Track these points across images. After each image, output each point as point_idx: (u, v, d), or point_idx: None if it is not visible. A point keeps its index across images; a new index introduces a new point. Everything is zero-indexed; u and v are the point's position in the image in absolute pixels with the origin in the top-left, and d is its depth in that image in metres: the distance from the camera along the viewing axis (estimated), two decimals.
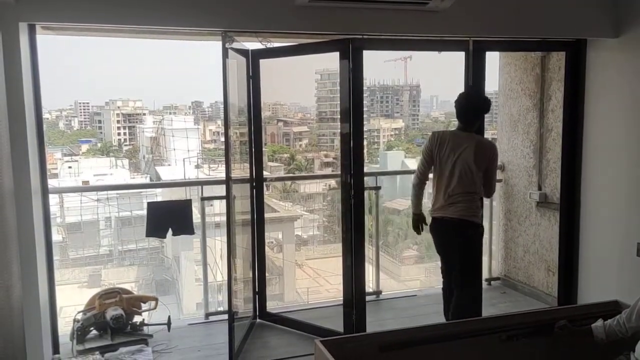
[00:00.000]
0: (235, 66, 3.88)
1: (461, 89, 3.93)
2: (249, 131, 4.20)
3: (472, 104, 3.66)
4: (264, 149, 4.38)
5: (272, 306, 4.46)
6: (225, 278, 3.82)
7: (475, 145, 3.57)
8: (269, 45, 3.92)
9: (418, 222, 3.76)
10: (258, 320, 4.37)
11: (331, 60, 3.92)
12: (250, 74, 4.11)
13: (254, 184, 4.25)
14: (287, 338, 4.07)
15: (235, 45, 3.70)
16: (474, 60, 3.96)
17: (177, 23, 3.40)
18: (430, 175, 3.71)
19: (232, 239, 3.74)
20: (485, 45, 4.02)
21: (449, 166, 3.55)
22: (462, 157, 3.53)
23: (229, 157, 3.66)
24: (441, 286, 3.87)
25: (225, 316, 4.42)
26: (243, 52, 4.00)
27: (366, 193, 6.03)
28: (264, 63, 4.09)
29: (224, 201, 4.57)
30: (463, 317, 3.38)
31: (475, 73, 3.96)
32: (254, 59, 4.09)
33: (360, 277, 3.90)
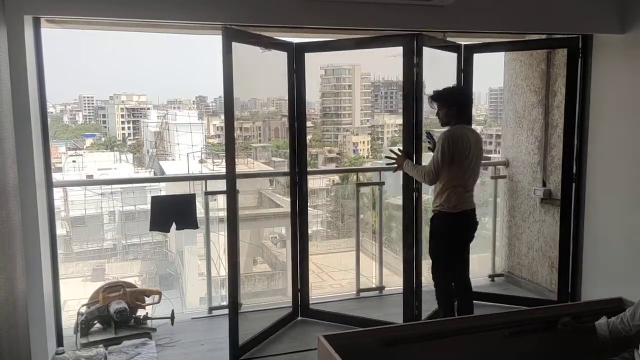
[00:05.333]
0: (274, 60, 3.89)
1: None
2: (290, 125, 4.17)
3: (470, 98, 3.84)
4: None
5: (276, 300, 4.45)
6: (227, 272, 3.82)
7: (477, 135, 3.73)
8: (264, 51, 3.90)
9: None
10: (300, 317, 4.33)
11: (335, 56, 3.93)
12: (294, 68, 4.06)
13: (297, 178, 4.22)
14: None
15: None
16: (465, 61, 4.30)
17: (179, 16, 3.39)
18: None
19: (237, 231, 3.71)
20: (474, 49, 4.29)
21: (471, 161, 3.61)
22: (476, 150, 3.63)
23: (233, 151, 3.63)
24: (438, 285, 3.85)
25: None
26: (285, 46, 4.00)
27: (369, 189, 6.04)
28: (270, 57, 4.06)
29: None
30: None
31: (465, 73, 4.33)
32: (298, 52, 4.06)
33: (419, 267, 3.98)
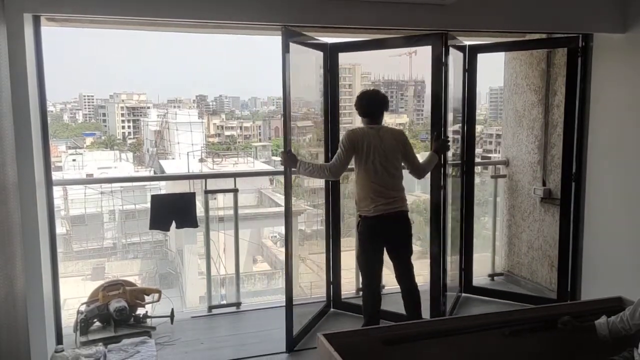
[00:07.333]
0: (300, 60, 3.95)
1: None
2: (325, 123, 4.28)
3: (381, 100, 3.78)
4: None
5: (276, 299, 4.47)
6: (228, 271, 3.82)
7: (387, 133, 3.71)
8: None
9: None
10: (332, 309, 4.46)
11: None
12: (329, 67, 4.20)
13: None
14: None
15: (311, 40, 3.90)
16: (469, 61, 4.44)
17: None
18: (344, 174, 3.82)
19: (291, 224, 3.76)
20: (478, 49, 4.43)
21: (374, 159, 3.60)
22: (379, 148, 3.62)
23: (289, 146, 3.70)
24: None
25: (229, 309, 4.50)
26: (322, 46, 4.12)
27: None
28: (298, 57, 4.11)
29: (227, 195, 4.62)
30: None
31: (469, 73, 4.47)
32: (332, 52, 4.18)
33: (445, 264, 4.15)
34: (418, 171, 3.79)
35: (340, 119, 4.32)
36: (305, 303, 4.29)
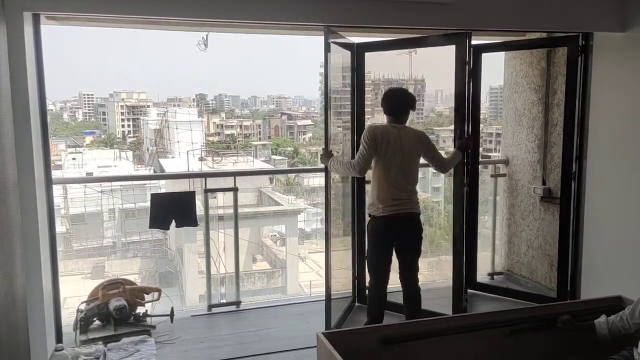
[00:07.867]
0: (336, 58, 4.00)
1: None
2: (351, 122, 4.42)
3: (406, 99, 3.80)
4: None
5: (276, 298, 4.47)
6: (227, 270, 3.82)
7: (409, 133, 3.73)
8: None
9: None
10: (357, 304, 4.53)
11: (335, 54, 3.94)
12: (355, 66, 4.28)
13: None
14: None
15: (339, 40, 3.94)
16: (474, 60, 4.31)
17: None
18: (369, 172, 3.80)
19: (330, 224, 3.87)
20: (483, 49, 4.43)
21: (393, 156, 3.62)
22: (400, 147, 3.63)
23: (328, 144, 3.86)
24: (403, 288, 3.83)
25: (228, 308, 4.50)
26: (349, 46, 4.21)
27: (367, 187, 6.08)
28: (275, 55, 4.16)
29: (227, 194, 4.62)
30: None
31: (473, 72, 4.32)
32: (358, 51, 4.26)
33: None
34: (442, 166, 3.87)
35: (342, 117, 4.35)
36: (335, 298, 4.27)
